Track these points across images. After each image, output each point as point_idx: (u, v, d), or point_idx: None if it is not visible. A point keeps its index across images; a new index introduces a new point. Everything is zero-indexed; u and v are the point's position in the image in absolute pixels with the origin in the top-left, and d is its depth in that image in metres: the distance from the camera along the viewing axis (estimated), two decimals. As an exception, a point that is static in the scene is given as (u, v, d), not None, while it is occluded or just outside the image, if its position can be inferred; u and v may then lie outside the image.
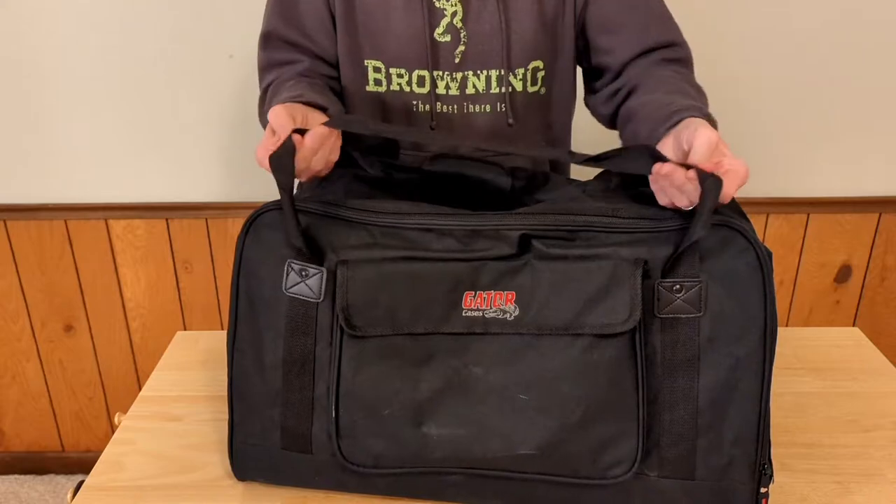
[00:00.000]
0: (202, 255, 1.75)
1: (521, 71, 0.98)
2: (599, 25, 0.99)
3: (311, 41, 0.99)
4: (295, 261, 0.75)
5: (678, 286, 0.70)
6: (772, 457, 0.73)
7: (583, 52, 1.03)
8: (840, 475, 0.84)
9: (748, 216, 0.78)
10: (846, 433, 0.90)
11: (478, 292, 0.72)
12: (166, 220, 1.72)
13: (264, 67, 1.00)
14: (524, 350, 0.72)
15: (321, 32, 0.99)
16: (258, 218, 0.76)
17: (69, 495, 0.83)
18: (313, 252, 0.75)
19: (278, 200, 0.76)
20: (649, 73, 0.95)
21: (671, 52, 0.97)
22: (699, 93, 0.91)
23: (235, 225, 1.72)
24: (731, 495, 0.73)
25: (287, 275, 0.76)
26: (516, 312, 0.72)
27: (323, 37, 0.99)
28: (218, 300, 1.80)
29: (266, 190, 1.68)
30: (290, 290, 0.76)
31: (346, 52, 0.98)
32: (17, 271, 1.77)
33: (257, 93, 1.01)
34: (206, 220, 1.72)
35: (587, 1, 0.98)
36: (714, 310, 0.70)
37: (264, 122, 0.92)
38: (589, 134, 1.15)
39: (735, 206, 0.79)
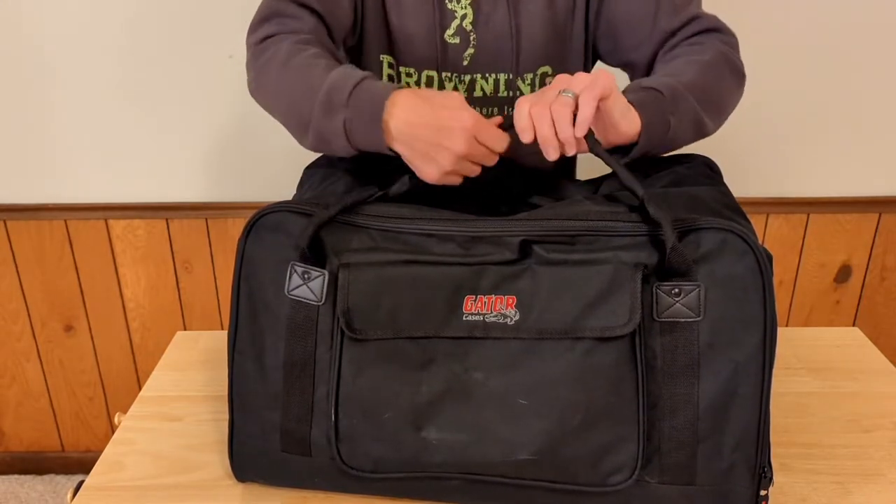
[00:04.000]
0: (202, 255, 1.75)
1: (529, 76, 0.98)
2: (623, 22, 0.96)
3: (324, 7, 0.92)
4: (298, 263, 0.75)
5: (676, 289, 0.70)
6: (771, 457, 0.73)
7: (611, 53, 1.01)
8: (840, 475, 0.84)
9: (748, 216, 0.78)
10: (846, 433, 0.90)
11: (478, 296, 0.72)
12: (166, 220, 1.72)
13: (267, 16, 0.92)
14: (524, 354, 0.71)
15: (332, 3, 0.93)
16: (259, 220, 0.76)
17: (69, 495, 0.83)
18: (315, 255, 0.75)
19: (278, 203, 0.76)
20: (663, 61, 0.94)
21: (691, 28, 0.95)
22: (690, 66, 0.88)
23: (235, 225, 1.72)
24: (731, 499, 0.72)
25: (290, 277, 0.76)
26: (517, 317, 0.71)
27: (335, 7, 0.93)
28: (218, 300, 1.80)
29: (266, 190, 1.68)
30: (293, 293, 0.76)
31: (367, 43, 0.97)
32: (17, 271, 1.77)
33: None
34: (206, 220, 1.71)
35: (602, 0, 0.96)
36: (714, 314, 0.70)
37: (265, 71, 0.87)
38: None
39: (735, 207, 0.79)
